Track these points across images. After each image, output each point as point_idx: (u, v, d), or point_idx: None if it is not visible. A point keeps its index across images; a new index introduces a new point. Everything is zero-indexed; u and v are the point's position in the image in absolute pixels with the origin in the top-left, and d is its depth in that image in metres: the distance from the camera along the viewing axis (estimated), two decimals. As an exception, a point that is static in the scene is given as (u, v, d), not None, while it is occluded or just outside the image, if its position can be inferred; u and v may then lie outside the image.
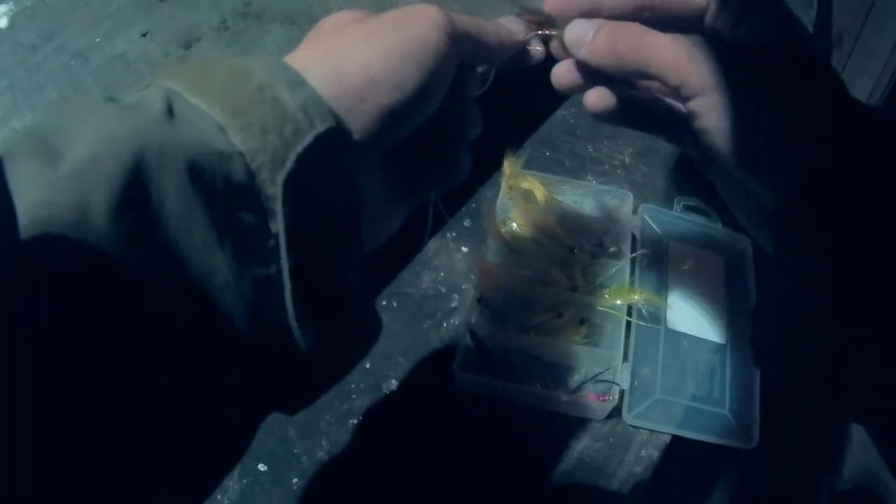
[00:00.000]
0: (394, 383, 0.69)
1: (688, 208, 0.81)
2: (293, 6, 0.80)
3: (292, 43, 0.76)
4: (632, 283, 0.73)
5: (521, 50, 0.47)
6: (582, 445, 0.67)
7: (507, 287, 0.71)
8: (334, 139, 0.32)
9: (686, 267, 0.77)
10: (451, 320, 0.73)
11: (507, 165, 0.77)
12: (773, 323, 0.45)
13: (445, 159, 0.45)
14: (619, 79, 0.46)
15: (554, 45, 0.48)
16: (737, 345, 0.73)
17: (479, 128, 0.46)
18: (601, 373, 0.68)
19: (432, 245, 0.77)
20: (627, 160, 0.87)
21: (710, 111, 0.41)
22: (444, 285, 0.75)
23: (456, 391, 0.68)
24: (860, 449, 0.72)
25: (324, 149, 0.32)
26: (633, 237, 0.77)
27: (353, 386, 0.68)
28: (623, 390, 0.67)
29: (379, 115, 0.35)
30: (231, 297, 0.30)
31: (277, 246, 0.31)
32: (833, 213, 0.39)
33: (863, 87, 1.15)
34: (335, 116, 0.33)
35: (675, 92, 0.42)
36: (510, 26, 0.46)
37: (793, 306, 0.42)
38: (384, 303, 0.73)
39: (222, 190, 0.30)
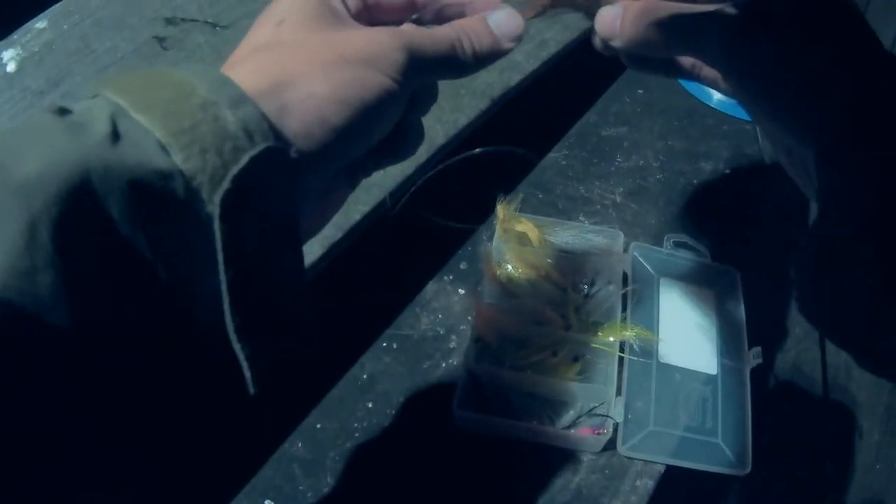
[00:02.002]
0: (395, 422, 0.74)
1: (677, 245, 0.87)
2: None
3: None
4: (624, 319, 0.79)
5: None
6: (578, 478, 0.72)
7: (503, 327, 0.76)
8: (273, 159, 0.33)
9: (677, 302, 0.82)
10: (450, 360, 0.78)
11: (501, 209, 0.83)
12: (817, 268, 0.45)
13: (394, 140, 0.45)
14: None
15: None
16: (728, 375, 0.78)
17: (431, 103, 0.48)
18: (595, 407, 0.74)
19: (430, 287, 0.83)
20: (618, 199, 0.92)
21: (738, 78, 0.44)
22: (443, 326, 0.80)
23: (455, 429, 0.73)
24: (858, 473, 0.77)
25: (262, 168, 0.33)
26: (625, 275, 0.82)
27: (355, 425, 0.73)
28: (617, 423, 0.72)
29: (327, 139, 0.37)
30: (174, 310, 0.33)
31: (216, 262, 0.32)
32: (878, 147, 0.40)
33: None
34: (276, 134, 0.35)
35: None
36: (498, 24, 0.45)
37: (837, 249, 0.42)
38: (384, 344, 0.78)
39: (165, 208, 0.31)
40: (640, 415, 0.74)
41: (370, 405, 0.74)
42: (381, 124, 0.41)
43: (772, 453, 0.74)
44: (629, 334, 0.77)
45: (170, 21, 0.87)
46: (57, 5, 0.89)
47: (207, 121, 0.32)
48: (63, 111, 0.32)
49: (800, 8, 0.42)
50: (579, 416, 0.73)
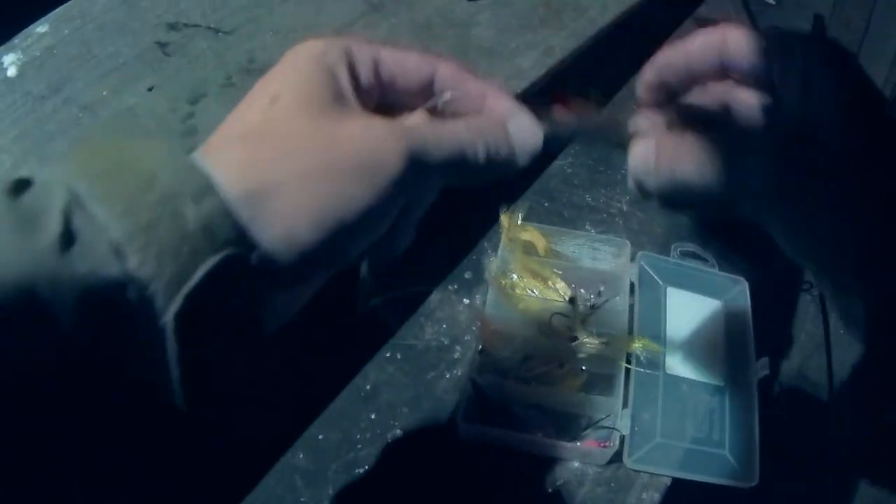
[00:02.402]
0: (398, 433, 0.73)
1: (685, 254, 0.86)
2: (297, 63, 0.85)
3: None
4: (630, 330, 0.78)
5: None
6: (584, 491, 0.71)
7: (508, 338, 0.76)
8: (232, 267, 0.31)
9: (684, 312, 0.82)
10: (454, 371, 0.77)
11: (506, 218, 0.82)
12: None
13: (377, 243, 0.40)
14: None
15: None
16: (735, 386, 0.77)
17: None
18: (601, 419, 0.73)
19: (435, 297, 0.82)
20: (625, 208, 0.92)
21: (778, 222, 0.42)
22: (447, 337, 0.80)
23: (459, 440, 0.73)
24: (864, 484, 0.77)
25: (220, 277, 0.31)
26: (632, 284, 0.82)
27: (358, 436, 0.72)
28: (623, 435, 0.72)
29: (291, 261, 0.33)
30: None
31: (168, 361, 0.31)
32: None
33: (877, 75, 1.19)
34: (241, 236, 0.32)
35: None
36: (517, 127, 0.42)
37: None
38: (388, 355, 0.78)
39: (117, 317, 0.30)
40: (646, 427, 0.74)
41: (373, 416, 0.74)
42: (361, 243, 0.37)
43: (779, 464, 0.74)
44: (636, 345, 0.76)
45: (172, 26, 0.87)
46: (58, 9, 0.88)
47: (166, 217, 0.30)
48: (19, 186, 0.30)
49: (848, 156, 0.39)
50: (585, 429, 0.73)
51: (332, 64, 0.37)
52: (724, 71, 0.45)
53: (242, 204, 0.32)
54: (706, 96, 0.46)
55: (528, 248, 0.83)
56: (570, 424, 0.74)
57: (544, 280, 0.81)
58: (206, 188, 0.31)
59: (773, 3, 1.28)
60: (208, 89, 0.83)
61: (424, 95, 0.41)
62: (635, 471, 0.73)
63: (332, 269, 0.37)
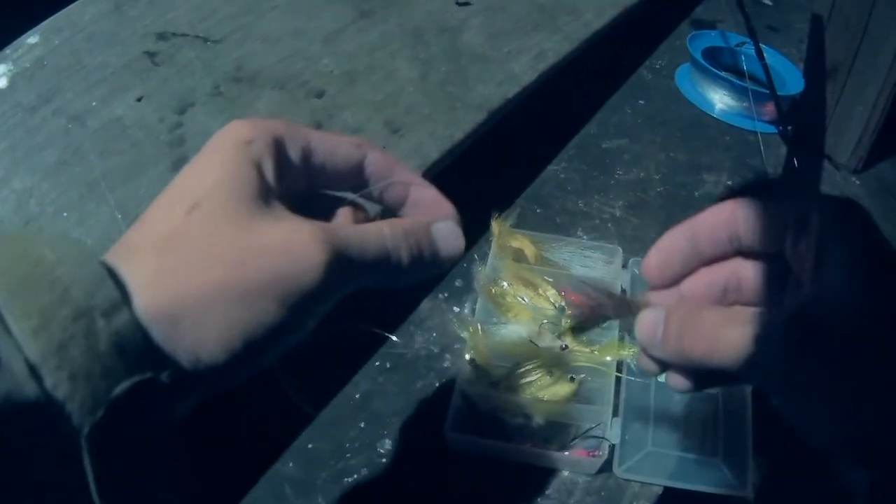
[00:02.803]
0: (388, 443, 0.73)
1: (678, 261, 0.85)
2: (284, 72, 0.84)
3: (283, 108, 0.82)
4: (621, 338, 0.78)
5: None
6: (574, 500, 0.71)
7: (497, 347, 0.75)
8: (145, 388, 0.31)
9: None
10: (444, 380, 0.77)
11: (496, 225, 0.82)
12: None
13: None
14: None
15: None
16: (729, 394, 0.77)
17: None
18: (591, 428, 0.72)
19: (425, 305, 0.82)
20: (618, 213, 0.91)
21: (795, 408, 0.40)
22: (437, 345, 0.79)
23: (448, 450, 0.72)
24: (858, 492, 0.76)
25: (132, 401, 0.30)
26: (623, 291, 0.81)
27: (347, 445, 0.72)
28: (613, 445, 0.71)
29: (201, 376, 0.33)
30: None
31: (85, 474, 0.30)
32: None
33: (859, 115, 1.20)
34: (152, 352, 0.32)
35: None
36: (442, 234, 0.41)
37: None
38: (378, 363, 0.78)
39: (35, 438, 0.29)
40: (637, 435, 0.73)
41: (362, 425, 0.74)
42: (276, 351, 0.36)
43: (772, 474, 0.73)
44: (626, 353, 0.76)
45: (161, 36, 0.86)
46: (48, 20, 0.88)
47: (79, 335, 0.30)
48: None
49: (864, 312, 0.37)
50: (574, 438, 0.72)
51: (257, 155, 0.36)
52: (733, 250, 0.45)
53: (154, 320, 0.31)
54: (715, 275, 0.46)
55: (519, 256, 0.82)
56: (559, 434, 0.73)
57: (535, 287, 0.80)
58: (118, 303, 0.31)
59: (770, 3, 1.27)
60: (196, 98, 0.82)
61: (353, 181, 0.41)
62: (626, 480, 0.72)
63: (249, 374, 0.36)
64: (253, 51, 0.86)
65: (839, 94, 1.25)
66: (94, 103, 0.84)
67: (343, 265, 0.35)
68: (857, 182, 1.25)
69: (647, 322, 0.44)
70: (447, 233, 0.41)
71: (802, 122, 1.14)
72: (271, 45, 0.86)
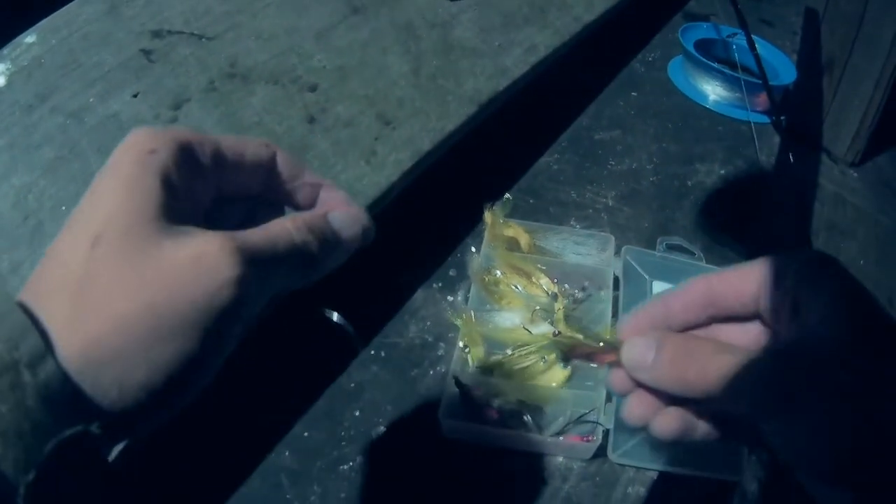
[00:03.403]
0: (382, 430, 0.72)
1: (671, 248, 0.85)
2: (278, 67, 0.85)
3: (278, 102, 0.82)
4: (614, 324, 0.77)
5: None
6: (569, 486, 0.70)
7: (491, 334, 0.75)
8: (76, 441, 0.30)
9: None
10: (438, 368, 0.77)
11: (489, 215, 0.82)
12: None
13: None
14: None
15: (616, 373, 0.46)
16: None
17: None
18: (585, 414, 0.72)
19: (419, 295, 0.82)
20: (611, 203, 0.91)
21: (782, 432, 0.39)
22: (431, 334, 0.79)
23: (443, 438, 0.72)
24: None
25: (64, 455, 0.29)
26: (616, 279, 0.81)
27: (343, 433, 0.72)
28: (607, 430, 0.71)
29: (126, 418, 0.32)
30: None
31: None
32: None
33: (855, 109, 1.20)
34: (80, 400, 0.30)
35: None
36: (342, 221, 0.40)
37: None
38: (372, 352, 0.78)
39: None
40: (631, 421, 0.73)
41: (357, 414, 0.73)
42: (199, 385, 0.35)
43: (764, 458, 0.73)
44: (619, 340, 0.75)
45: (156, 34, 0.87)
46: (45, 20, 0.88)
47: (5, 392, 0.28)
48: None
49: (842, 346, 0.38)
50: (567, 424, 0.72)
51: (162, 165, 0.34)
52: (707, 319, 0.45)
53: (76, 369, 0.30)
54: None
55: (512, 245, 0.82)
56: (553, 419, 0.73)
57: (528, 276, 0.80)
58: (42, 353, 0.29)
59: (763, -4, 1.27)
60: (191, 94, 0.83)
61: (263, 182, 0.40)
62: (621, 465, 0.72)
63: (180, 407, 0.35)
64: (247, 48, 0.86)
65: (836, 87, 1.25)
66: (91, 100, 0.84)
67: (258, 271, 0.34)
68: (855, 175, 1.25)
69: (638, 347, 0.43)
70: (344, 218, 0.40)
71: (796, 112, 1.13)
72: (265, 42, 0.87)
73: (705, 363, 0.40)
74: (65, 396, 0.30)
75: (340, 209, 0.40)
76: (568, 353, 0.52)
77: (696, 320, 0.45)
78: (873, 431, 0.36)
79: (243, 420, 0.74)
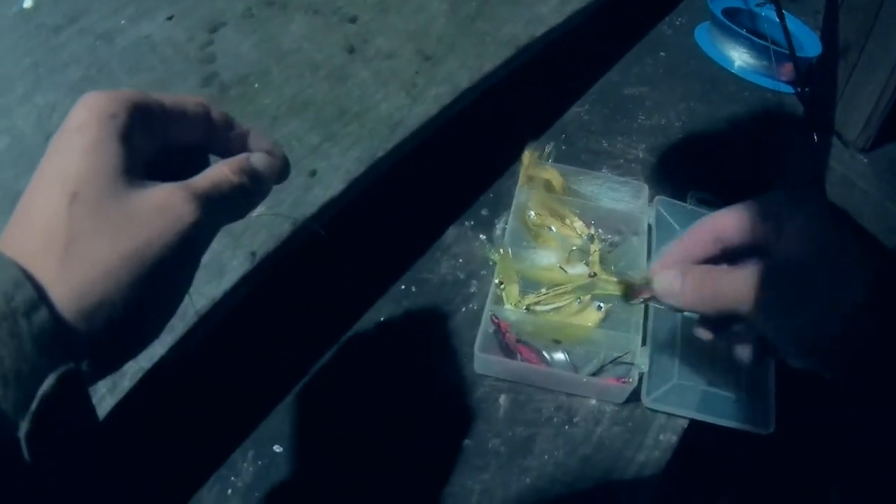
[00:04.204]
0: (413, 365, 0.70)
1: (700, 201, 0.84)
2: (317, -3, 0.82)
3: (317, 32, 0.79)
4: (649, 268, 0.75)
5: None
6: (601, 429, 0.68)
7: (526, 271, 0.73)
8: (69, 379, 0.33)
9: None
10: (470, 305, 0.74)
11: (527, 156, 0.80)
12: None
13: None
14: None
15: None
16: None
17: None
18: (620, 356, 0.70)
19: (451, 233, 0.80)
20: (641, 155, 0.89)
21: (769, 330, 0.53)
22: (463, 271, 0.77)
23: (474, 374, 0.70)
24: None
25: (59, 393, 0.32)
26: (649, 226, 0.79)
27: (371, 367, 0.70)
28: (642, 373, 0.69)
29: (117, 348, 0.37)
30: None
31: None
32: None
33: (868, 96, 1.19)
34: (72, 341, 0.33)
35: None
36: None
37: None
38: (402, 288, 0.75)
39: None
40: (664, 367, 0.71)
41: (387, 349, 0.71)
42: (172, 309, 0.40)
43: (795, 414, 0.71)
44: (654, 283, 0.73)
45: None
46: (75, -60, 0.85)
47: (5, 338, 0.31)
48: None
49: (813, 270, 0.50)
50: (603, 365, 0.70)
51: (124, 129, 0.37)
52: (718, 251, 0.57)
53: (70, 314, 0.33)
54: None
55: (548, 186, 0.80)
56: (587, 360, 0.71)
57: (562, 218, 0.78)
58: (36, 303, 0.32)
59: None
60: (227, 19, 0.80)
61: (200, 134, 0.43)
62: (652, 411, 0.70)
63: (161, 330, 0.40)
64: (285, -24, 0.83)
65: (850, 72, 1.24)
66: (122, 22, 0.81)
67: (211, 211, 0.39)
68: (865, 161, 1.24)
69: (668, 278, 0.57)
70: (263, 159, 0.44)
71: (818, 86, 1.12)
72: (302, -29, 0.84)
73: (717, 283, 0.54)
74: (57, 341, 0.32)
75: (262, 152, 0.45)
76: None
77: (709, 254, 0.57)
78: (837, 320, 0.48)
79: (268, 353, 0.71)
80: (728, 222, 0.56)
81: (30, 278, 0.33)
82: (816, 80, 1.13)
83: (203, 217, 0.38)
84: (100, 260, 0.35)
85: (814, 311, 0.49)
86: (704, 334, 0.61)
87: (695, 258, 0.57)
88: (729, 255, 0.57)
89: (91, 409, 0.36)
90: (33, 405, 0.31)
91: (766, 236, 0.54)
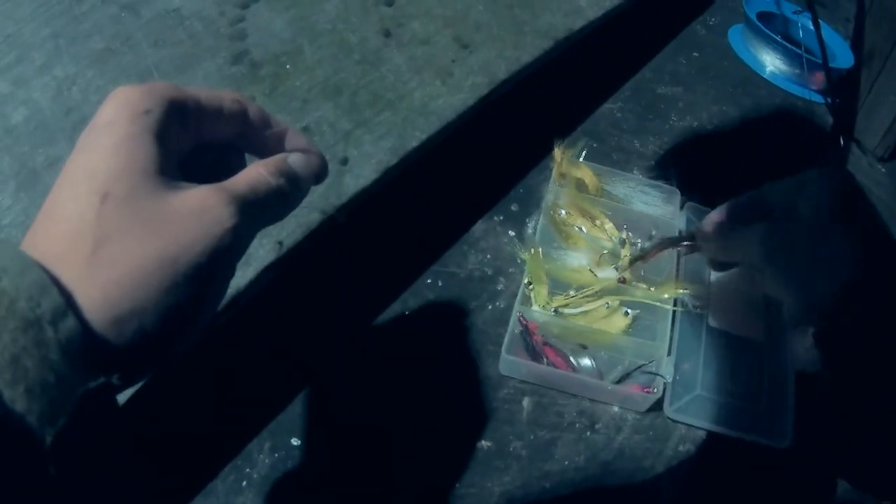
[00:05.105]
0: (437, 361, 0.69)
1: (730, 210, 0.82)
2: (354, -24, 0.79)
3: (352, 13, 0.77)
4: (678, 277, 0.74)
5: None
6: (622, 437, 0.67)
7: (556, 272, 0.71)
8: (98, 392, 0.31)
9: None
10: (497, 303, 0.73)
11: (559, 153, 0.78)
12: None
13: None
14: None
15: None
16: (775, 346, 0.74)
17: None
18: (645, 364, 0.69)
19: (479, 227, 0.78)
20: (673, 157, 0.88)
21: (774, 278, 0.60)
22: (491, 267, 0.75)
23: (499, 374, 0.69)
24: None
25: (88, 407, 0.31)
26: (679, 233, 0.78)
27: (393, 361, 0.68)
28: (667, 383, 0.68)
29: (146, 355, 0.34)
30: None
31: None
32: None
33: (891, 105, 1.17)
34: (102, 350, 0.31)
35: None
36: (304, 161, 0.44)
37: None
38: (428, 281, 0.73)
39: (5, 444, 0.29)
40: (687, 377, 0.70)
41: (411, 341, 0.69)
42: (200, 327, 0.37)
43: (813, 429, 0.70)
44: (682, 292, 0.72)
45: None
46: None
47: (30, 348, 0.29)
48: None
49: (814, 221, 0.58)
50: (628, 372, 0.69)
51: (157, 126, 0.36)
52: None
53: (100, 320, 0.31)
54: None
55: (579, 185, 0.78)
56: (612, 367, 0.69)
57: (592, 219, 0.76)
58: (63, 310, 0.30)
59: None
60: (261, -7, 0.77)
61: (236, 132, 0.42)
62: (674, 421, 0.69)
63: (194, 337, 0.37)
64: (320, -47, 0.81)
65: (874, 80, 1.22)
66: (149, -8, 0.79)
67: (249, 216, 0.37)
68: (883, 170, 1.24)
69: (711, 217, 0.67)
70: (300, 159, 0.42)
71: (848, 97, 1.11)
72: (338, -50, 0.81)
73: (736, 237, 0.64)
74: (85, 350, 0.30)
75: (300, 152, 0.43)
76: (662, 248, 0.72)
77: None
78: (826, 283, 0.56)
79: (289, 344, 0.70)
80: (768, 191, 0.64)
81: (56, 283, 0.31)
82: (849, 87, 1.11)
83: (241, 221, 0.36)
84: (131, 264, 0.33)
85: (810, 276, 0.57)
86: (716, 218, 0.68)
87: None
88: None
89: (119, 421, 0.34)
90: (60, 421, 0.29)
91: (799, 205, 0.59)
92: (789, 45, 1.03)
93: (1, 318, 0.29)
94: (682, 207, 0.80)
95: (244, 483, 0.61)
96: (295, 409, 0.66)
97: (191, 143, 0.39)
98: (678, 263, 0.75)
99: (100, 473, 0.33)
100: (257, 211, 0.38)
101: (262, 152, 0.43)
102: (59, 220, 0.34)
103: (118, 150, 0.34)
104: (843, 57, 1.07)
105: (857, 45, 1.17)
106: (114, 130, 0.35)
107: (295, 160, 0.42)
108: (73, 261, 0.32)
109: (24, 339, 0.29)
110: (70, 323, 0.30)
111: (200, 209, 0.35)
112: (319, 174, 0.44)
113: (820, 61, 1.00)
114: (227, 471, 0.62)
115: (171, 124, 0.37)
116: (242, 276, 0.59)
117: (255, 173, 0.39)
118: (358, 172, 0.66)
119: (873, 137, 1.25)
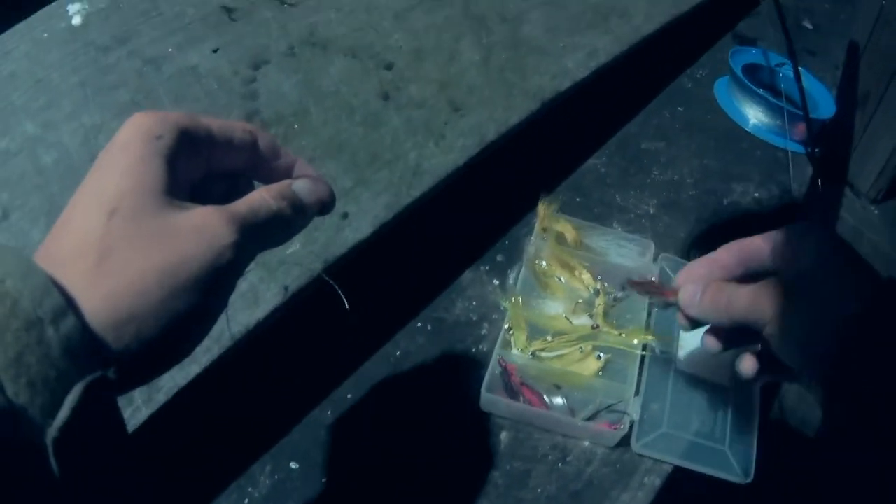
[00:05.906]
0: (424, 397, 0.81)
1: (702, 260, 0.94)
2: (356, 41, 0.92)
3: (354, 76, 0.90)
4: (648, 325, 0.86)
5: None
6: (591, 469, 0.79)
7: (535, 318, 0.84)
8: (96, 388, 0.34)
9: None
10: (480, 346, 0.85)
11: (542, 208, 0.90)
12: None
13: None
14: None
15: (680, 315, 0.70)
16: (740, 389, 0.85)
17: None
18: (614, 404, 0.81)
19: (467, 276, 0.90)
20: (651, 211, 1.00)
21: (773, 336, 0.60)
22: (476, 313, 0.87)
23: (478, 411, 0.80)
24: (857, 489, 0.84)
25: (87, 400, 0.33)
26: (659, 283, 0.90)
27: (385, 398, 0.80)
28: (633, 421, 0.80)
29: (144, 362, 0.37)
30: None
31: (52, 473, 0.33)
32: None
33: (884, 147, 1.26)
34: (100, 348, 0.35)
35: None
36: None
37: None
38: (419, 325, 0.86)
39: (7, 438, 0.31)
40: (654, 416, 0.81)
41: (400, 380, 0.82)
42: (197, 338, 0.42)
43: (774, 466, 0.81)
44: (651, 339, 0.84)
45: (239, -6, 0.94)
46: (126, -35, 0.95)
47: (32, 345, 0.32)
48: None
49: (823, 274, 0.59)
50: (598, 411, 0.81)
51: (167, 151, 0.41)
52: (741, 274, 0.67)
53: (100, 323, 0.35)
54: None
55: (560, 238, 0.91)
56: (584, 406, 0.81)
57: (571, 270, 0.89)
58: (64, 310, 0.34)
59: (810, 27, 1.36)
60: (271, 56, 0.90)
61: (246, 162, 0.47)
62: (640, 456, 0.80)
63: (192, 347, 0.42)
64: (327, 18, 0.94)
65: (867, 122, 1.30)
66: (169, 49, 0.91)
67: (249, 236, 0.41)
68: (876, 212, 1.30)
69: (689, 291, 0.68)
70: (305, 186, 0.47)
71: (830, 146, 1.21)
72: (345, 16, 0.94)
73: (733, 294, 0.63)
74: (84, 348, 0.34)
75: (306, 179, 0.48)
76: (641, 290, 0.77)
77: (731, 276, 0.67)
78: (832, 326, 0.57)
79: (290, 377, 0.82)
80: (754, 247, 0.66)
81: (58, 286, 0.34)
82: (828, 140, 1.22)
83: (239, 240, 0.40)
84: (133, 274, 0.36)
85: (814, 317, 0.58)
86: (713, 344, 0.71)
87: (716, 277, 0.67)
88: (748, 280, 0.66)
89: (119, 417, 0.38)
90: (61, 412, 0.32)
91: (784, 259, 0.63)
92: (771, 98, 1.15)
93: (5, 317, 0.32)
94: (655, 259, 0.92)
95: (246, 500, 0.73)
96: (295, 436, 0.77)
97: (202, 169, 0.44)
98: (649, 312, 0.88)
99: (103, 478, 0.37)
100: (257, 232, 0.42)
101: (272, 181, 0.47)
102: (71, 231, 0.38)
103: (129, 170, 0.39)
104: (825, 107, 1.19)
105: (844, 91, 1.27)
106: (127, 152, 0.40)
107: (300, 186, 0.46)
108: (79, 269, 0.36)
109: (26, 338, 0.32)
110: (70, 322, 0.33)
111: (201, 226, 0.39)
112: (326, 202, 0.48)
113: (801, 113, 1.12)
114: (231, 489, 0.73)
115: (182, 150, 0.41)
116: (251, 315, 0.71)
117: (258, 196, 0.44)
118: (357, 226, 0.79)
119: (866, 180, 1.33)
